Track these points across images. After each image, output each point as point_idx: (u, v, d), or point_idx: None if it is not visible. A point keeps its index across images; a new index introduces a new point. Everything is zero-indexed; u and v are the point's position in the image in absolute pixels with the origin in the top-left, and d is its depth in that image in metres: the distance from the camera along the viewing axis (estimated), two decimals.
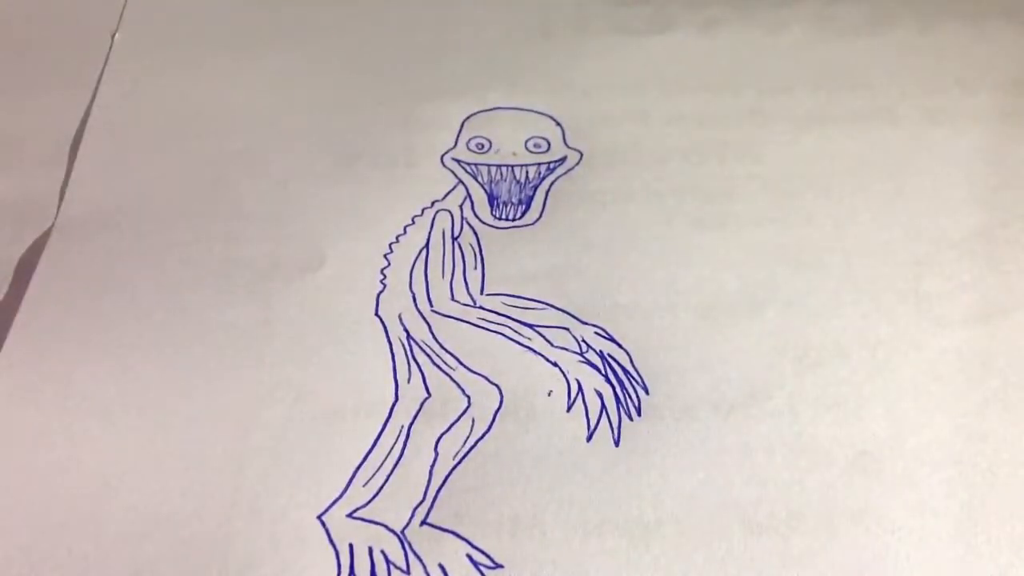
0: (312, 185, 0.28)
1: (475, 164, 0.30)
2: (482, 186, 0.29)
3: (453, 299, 0.26)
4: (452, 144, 0.30)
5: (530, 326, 0.26)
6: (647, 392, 0.25)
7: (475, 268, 0.27)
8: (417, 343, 0.25)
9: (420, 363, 0.25)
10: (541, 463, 0.23)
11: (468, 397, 0.24)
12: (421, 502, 0.23)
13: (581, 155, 0.30)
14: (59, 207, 0.29)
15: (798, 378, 0.25)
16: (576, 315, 0.26)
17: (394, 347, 0.25)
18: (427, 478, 0.23)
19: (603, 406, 0.24)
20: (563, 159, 0.30)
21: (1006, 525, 0.22)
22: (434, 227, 0.28)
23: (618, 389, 0.25)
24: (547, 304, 0.26)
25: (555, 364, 0.25)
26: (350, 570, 0.22)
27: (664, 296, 0.27)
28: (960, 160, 0.30)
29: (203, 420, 0.24)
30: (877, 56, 0.33)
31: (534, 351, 0.25)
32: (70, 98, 0.32)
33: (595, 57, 0.33)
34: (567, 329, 0.26)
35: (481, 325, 0.26)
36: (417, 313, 0.26)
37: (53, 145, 0.30)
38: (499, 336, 0.26)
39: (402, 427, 0.24)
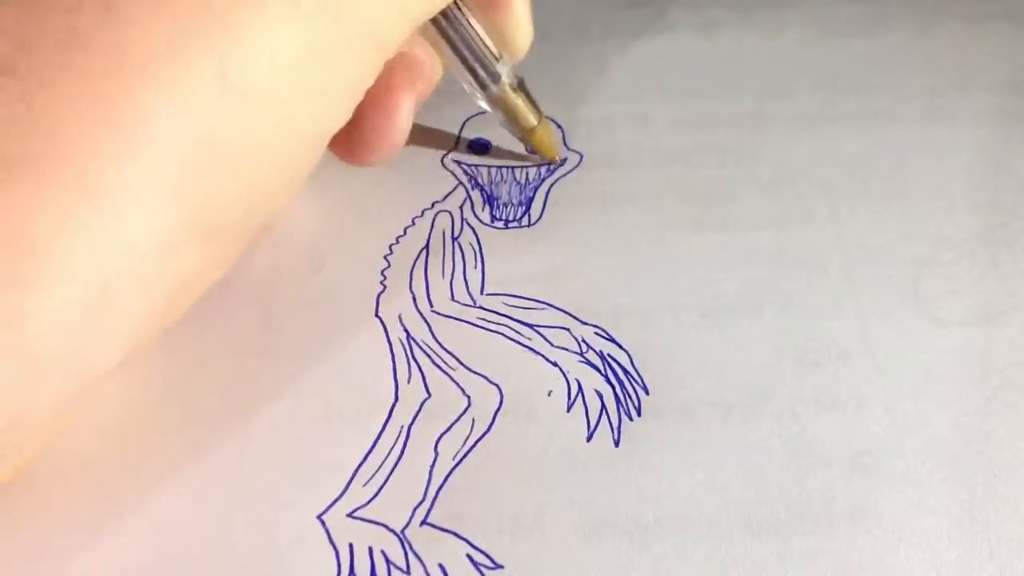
0: (312, 185, 0.28)
1: (475, 165, 0.30)
2: (482, 187, 0.29)
3: (453, 299, 0.26)
4: (452, 145, 0.31)
5: (530, 326, 0.26)
6: (647, 392, 0.25)
7: (475, 267, 0.27)
8: (417, 343, 0.25)
9: (420, 363, 0.25)
10: (541, 463, 0.23)
11: (468, 397, 0.24)
12: (421, 502, 0.23)
13: (581, 157, 0.30)
14: None
15: (798, 378, 0.25)
16: (576, 315, 0.26)
17: (394, 347, 0.25)
18: (427, 478, 0.23)
19: (603, 406, 0.24)
20: (563, 161, 0.30)
21: (1006, 525, 0.22)
22: (434, 228, 0.28)
23: (618, 389, 0.25)
24: (547, 304, 0.26)
25: (555, 364, 0.25)
26: (350, 570, 0.22)
27: (664, 297, 0.27)
28: (960, 160, 0.30)
29: (203, 421, 0.24)
30: (876, 57, 0.33)
31: (534, 351, 0.25)
32: None
33: (594, 59, 0.34)
34: (567, 329, 0.26)
35: (481, 325, 0.26)
36: (417, 313, 0.26)
37: None
38: (499, 336, 0.26)
39: (402, 427, 0.24)
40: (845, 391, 0.24)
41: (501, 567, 0.22)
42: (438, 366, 0.25)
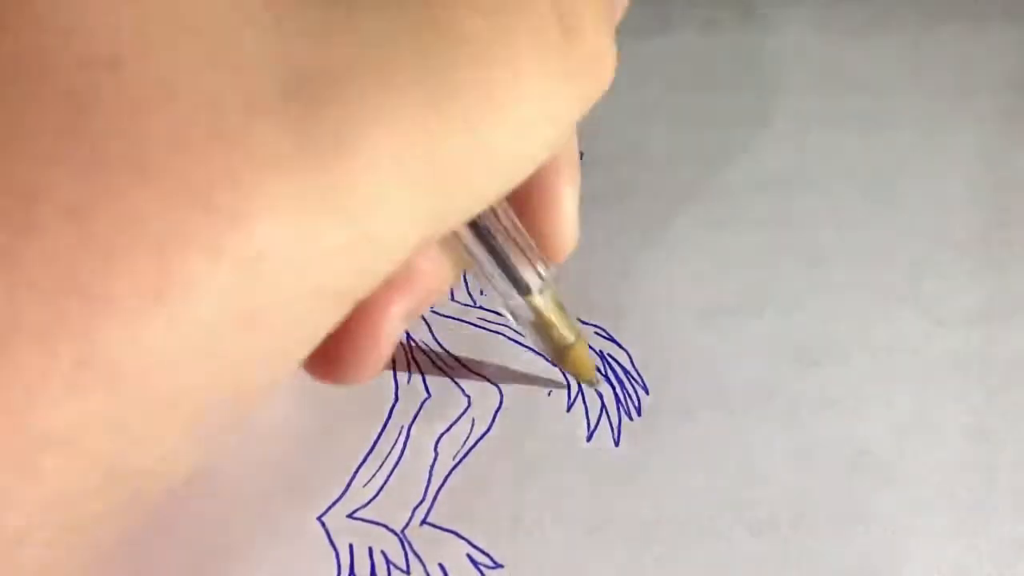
0: None
1: None
2: None
3: (453, 299, 0.26)
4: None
5: None
6: (647, 392, 0.25)
7: None
8: (417, 343, 0.25)
9: (420, 363, 0.25)
10: (541, 463, 0.23)
11: (468, 397, 0.24)
12: (421, 502, 0.23)
13: (581, 156, 0.30)
14: None
15: (798, 378, 0.25)
16: (576, 315, 0.26)
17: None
18: (427, 478, 0.23)
19: (603, 406, 0.24)
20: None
21: (1006, 525, 0.22)
22: None
23: (618, 389, 0.25)
24: None
25: (555, 364, 0.25)
26: (350, 570, 0.22)
27: (664, 296, 0.27)
28: (960, 160, 0.30)
29: None
30: (877, 57, 0.33)
31: (534, 351, 0.25)
32: None
33: None
34: None
35: (481, 325, 0.26)
36: None
37: None
38: (499, 336, 0.26)
39: (402, 427, 0.24)
40: (845, 391, 0.24)
41: (501, 567, 0.22)
42: (438, 366, 0.25)
